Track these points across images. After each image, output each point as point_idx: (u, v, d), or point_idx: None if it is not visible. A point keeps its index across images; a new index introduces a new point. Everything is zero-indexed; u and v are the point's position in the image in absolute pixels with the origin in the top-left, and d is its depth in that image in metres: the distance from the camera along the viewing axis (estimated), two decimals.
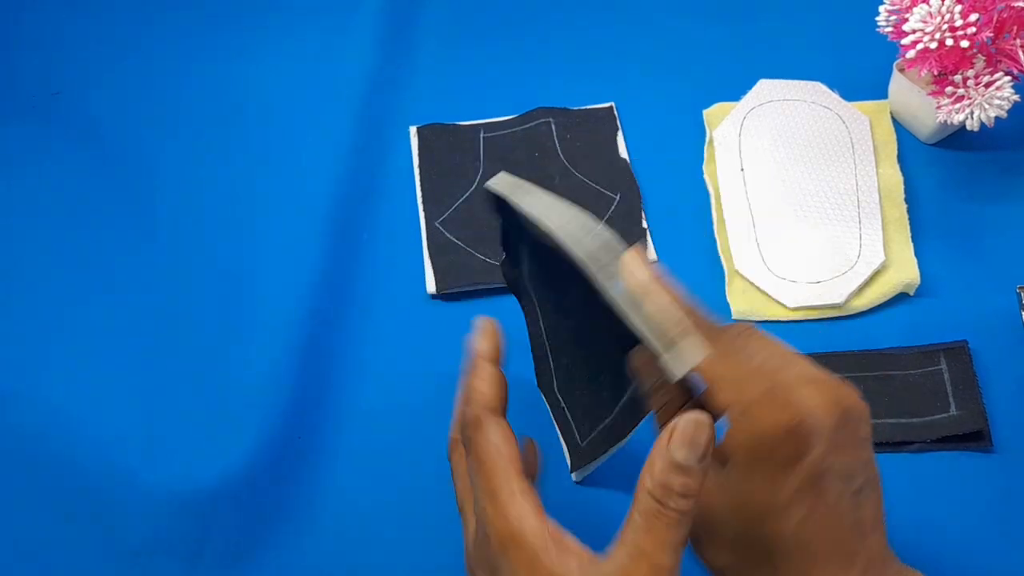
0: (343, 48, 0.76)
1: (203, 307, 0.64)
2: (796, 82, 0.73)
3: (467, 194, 0.68)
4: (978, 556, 0.54)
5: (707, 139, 0.71)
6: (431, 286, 0.64)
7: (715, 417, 0.38)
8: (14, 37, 0.78)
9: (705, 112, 0.73)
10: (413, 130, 0.72)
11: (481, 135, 0.71)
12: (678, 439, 0.35)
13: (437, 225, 0.67)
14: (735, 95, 0.73)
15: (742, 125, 0.71)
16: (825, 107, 0.71)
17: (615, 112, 0.72)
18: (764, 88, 0.72)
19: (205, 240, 0.67)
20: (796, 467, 0.37)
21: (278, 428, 0.58)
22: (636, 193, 0.68)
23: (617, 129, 0.71)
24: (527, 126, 0.72)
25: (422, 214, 0.67)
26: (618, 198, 0.68)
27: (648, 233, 0.66)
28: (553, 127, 0.71)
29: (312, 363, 0.61)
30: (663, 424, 0.43)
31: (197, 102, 0.74)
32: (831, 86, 0.72)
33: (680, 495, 0.35)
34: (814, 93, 0.72)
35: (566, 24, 0.79)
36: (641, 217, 0.67)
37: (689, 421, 0.35)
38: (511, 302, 0.58)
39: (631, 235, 0.66)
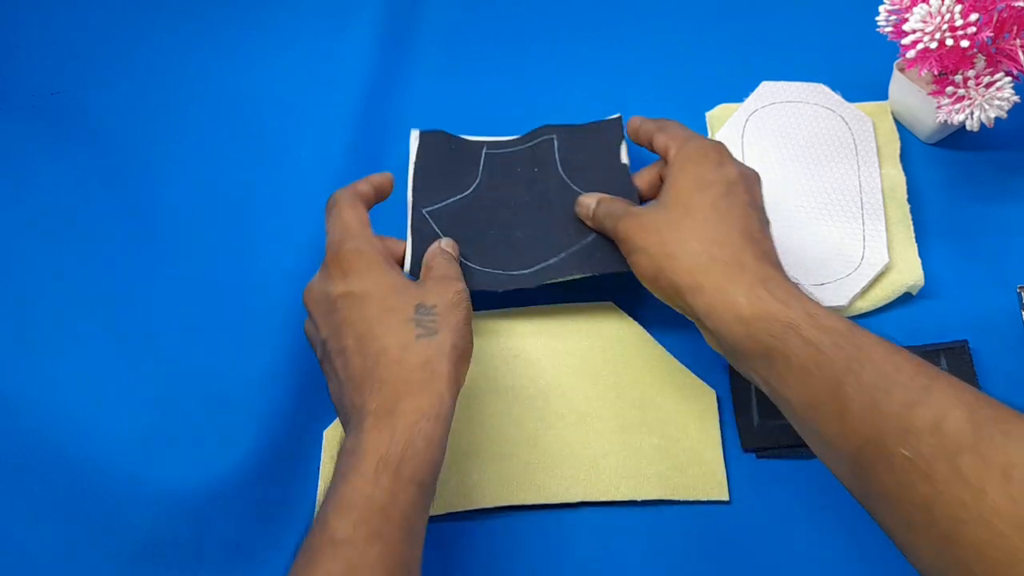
0: (344, 51, 0.76)
1: (203, 306, 0.64)
2: (798, 84, 0.73)
3: (460, 196, 0.67)
4: None
5: None
6: (406, 266, 0.61)
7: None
8: (14, 37, 0.78)
9: (708, 114, 0.73)
10: (415, 133, 0.70)
11: (484, 151, 0.70)
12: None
13: (424, 212, 0.65)
14: (737, 97, 0.73)
15: (745, 127, 0.71)
16: (828, 108, 0.71)
17: (621, 123, 0.69)
18: (766, 90, 0.72)
19: (205, 240, 0.67)
20: (720, 167, 0.55)
21: (278, 428, 0.58)
22: (636, 199, 0.63)
23: (621, 139, 0.68)
24: (531, 144, 0.69)
25: (410, 199, 0.66)
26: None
27: None
28: (556, 143, 0.69)
29: (312, 362, 0.61)
30: None
31: (198, 101, 0.74)
32: (832, 87, 0.72)
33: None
34: (816, 95, 0.72)
35: (568, 30, 0.79)
36: None
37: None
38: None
39: None
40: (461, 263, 0.61)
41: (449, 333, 0.52)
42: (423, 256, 0.60)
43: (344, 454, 0.48)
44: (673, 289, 0.52)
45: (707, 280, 0.51)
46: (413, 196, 0.66)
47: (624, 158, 0.67)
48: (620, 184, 0.65)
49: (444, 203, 0.66)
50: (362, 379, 0.50)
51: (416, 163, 0.68)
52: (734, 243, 0.52)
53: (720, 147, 0.57)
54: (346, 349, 0.51)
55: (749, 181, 0.56)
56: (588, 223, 0.61)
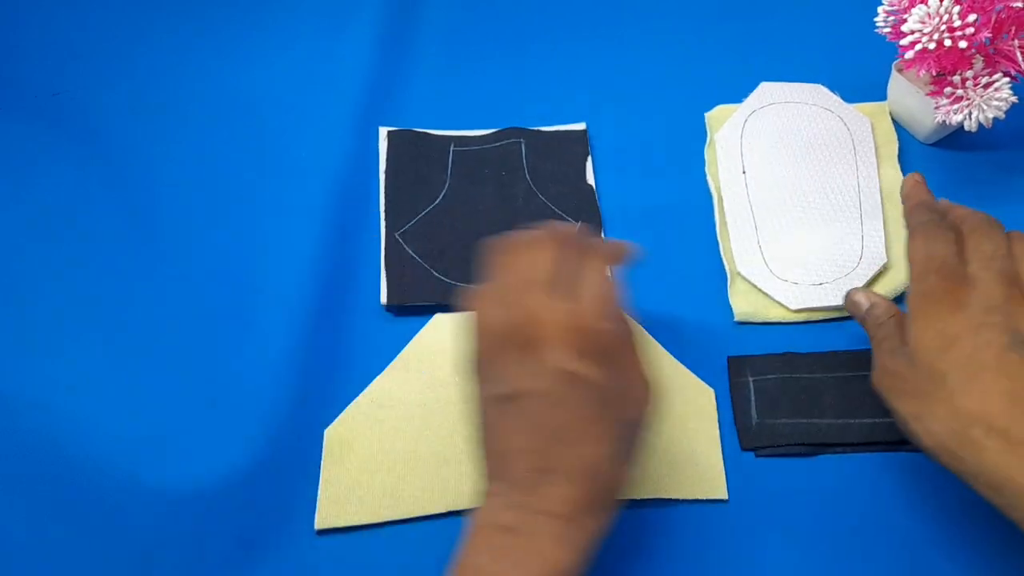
0: (344, 51, 0.76)
1: (203, 306, 0.63)
2: (797, 84, 0.73)
3: (431, 207, 0.68)
4: (977, 554, 0.54)
5: (708, 141, 0.71)
6: (382, 296, 0.64)
7: None
8: (14, 37, 0.78)
9: (707, 115, 0.73)
10: (383, 131, 0.72)
11: (452, 148, 0.71)
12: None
13: (397, 237, 0.66)
14: (737, 97, 0.73)
15: (744, 127, 0.71)
16: (826, 109, 0.71)
17: (586, 136, 0.72)
18: (765, 90, 0.73)
19: (205, 240, 0.67)
20: (961, 310, 0.49)
21: (278, 428, 0.58)
22: (598, 222, 0.67)
23: (587, 154, 0.71)
24: (498, 144, 0.71)
25: (383, 224, 0.67)
26: (579, 226, 0.67)
27: None
28: (523, 147, 0.71)
29: (312, 363, 0.61)
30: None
31: (198, 101, 0.74)
32: (831, 87, 0.72)
33: None
34: (815, 95, 0.72)
35: (568, 30, 0.79)
36: None
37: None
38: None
39: None
40: (438, 279, 0.64)
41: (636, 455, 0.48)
42: (401, 282, 0.63)
43: (506, 531, 0.45)
44: (954, 470, 0.48)
45: (982, 468, 0.46)
46: (386, 221, 0.67)
47: (590, 179, 0.70)
48: (585, 205, 0.68)
49: (415, 220, 0.68)
50: (557, 464, 0.45)
51: (386, 172, 0.70)
52: (996, 414, 0.47)
53: (952, 277, 0.51)
54: (559, 428, 0.45)
55: (997, 311, 0.49)
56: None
